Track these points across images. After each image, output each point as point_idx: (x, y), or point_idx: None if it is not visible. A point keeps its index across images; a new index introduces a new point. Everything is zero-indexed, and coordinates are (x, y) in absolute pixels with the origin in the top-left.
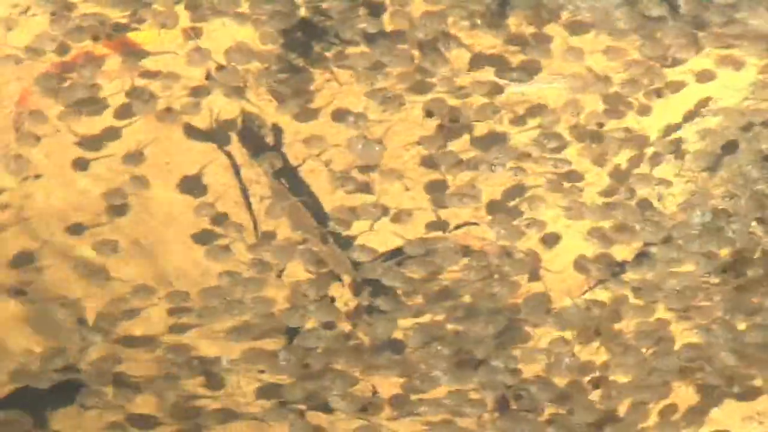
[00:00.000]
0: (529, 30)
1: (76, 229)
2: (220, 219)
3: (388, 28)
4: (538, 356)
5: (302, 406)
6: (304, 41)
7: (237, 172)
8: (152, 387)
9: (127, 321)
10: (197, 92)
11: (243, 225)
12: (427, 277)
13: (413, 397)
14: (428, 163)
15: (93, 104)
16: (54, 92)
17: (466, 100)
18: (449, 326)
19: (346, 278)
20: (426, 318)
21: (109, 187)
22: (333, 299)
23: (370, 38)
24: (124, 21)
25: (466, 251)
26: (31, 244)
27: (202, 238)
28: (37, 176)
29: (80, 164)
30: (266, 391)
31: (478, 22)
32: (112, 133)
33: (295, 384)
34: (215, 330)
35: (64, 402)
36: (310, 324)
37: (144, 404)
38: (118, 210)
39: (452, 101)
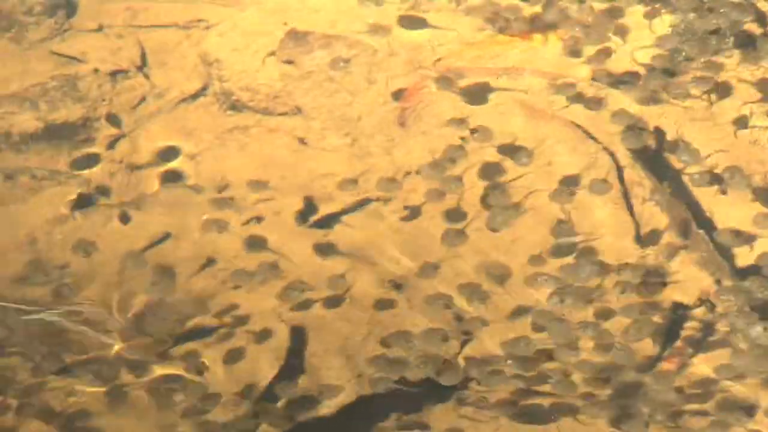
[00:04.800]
0: None
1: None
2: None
3: None
4: None
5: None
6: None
7: (620, 173)
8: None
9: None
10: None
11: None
12: None
13: None
14: None
15: (477, 98)
16: (449, 87)
17: None
18: None
19: (726, 283)
20: None
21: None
22: (713, 305)
23: None
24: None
25: None
26: (416, 239)
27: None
28: (418, 172)
29: (453, 158)
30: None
31: None
32: (493, 127)
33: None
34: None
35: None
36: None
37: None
38: (435, 192)
39: None
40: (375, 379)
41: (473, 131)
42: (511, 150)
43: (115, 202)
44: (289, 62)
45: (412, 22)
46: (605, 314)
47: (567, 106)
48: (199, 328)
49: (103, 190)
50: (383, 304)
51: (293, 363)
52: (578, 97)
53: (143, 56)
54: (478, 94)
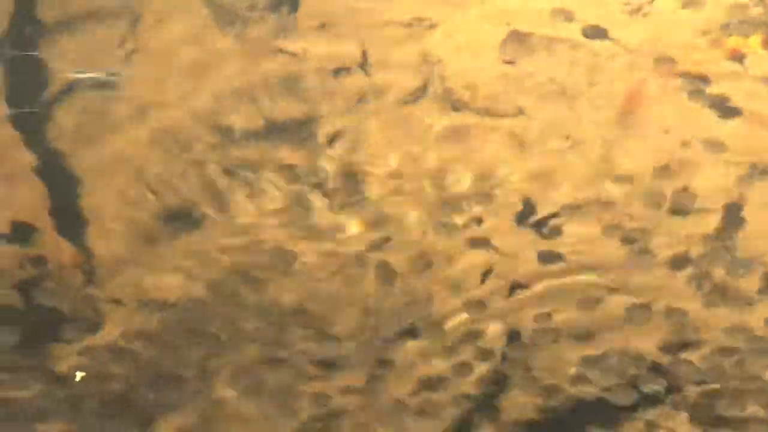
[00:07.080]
0: None
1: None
2: None
3: None
4: None
5: None
6: None
7: None
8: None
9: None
10: None
11: None
12: None
13: None
14: None
15: (704, 103)
16: (672, 90)
17: None
18: None
19: None
20: None
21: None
22: None
23: None
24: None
25: None
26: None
27: None
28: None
29: (674, 168)
30: None
31: None
32: (715, 132)
33: None
34: None
35: None
36: None
37: None
38: (654, 203)
39: None
40: (586, 385)
41: (700, 140)
42: (746, 166)
43: (334, 201)
44: (511, 63)
45: (633, 23)
46: None
47: None
48: (417, 329)
49: (323, 189)
50: (600, 310)
51: (502, 366)
52: None
53: (365, 54)
54: (706, 100)
